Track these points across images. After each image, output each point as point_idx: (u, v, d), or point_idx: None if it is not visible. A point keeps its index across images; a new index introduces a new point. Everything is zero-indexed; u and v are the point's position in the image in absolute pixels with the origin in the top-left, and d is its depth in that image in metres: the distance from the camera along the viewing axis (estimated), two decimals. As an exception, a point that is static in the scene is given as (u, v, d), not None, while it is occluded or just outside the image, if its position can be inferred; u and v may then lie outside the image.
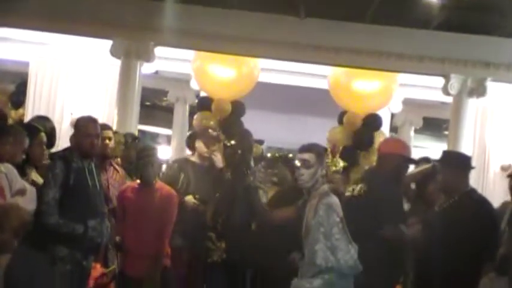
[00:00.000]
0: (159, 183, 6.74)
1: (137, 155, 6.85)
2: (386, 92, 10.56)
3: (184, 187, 7.27)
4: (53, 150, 6.51)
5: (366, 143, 10.14)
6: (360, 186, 6.10)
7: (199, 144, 7.53)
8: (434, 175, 6.57)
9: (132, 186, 6.78)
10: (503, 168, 7.51)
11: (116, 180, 7.16)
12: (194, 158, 7.61)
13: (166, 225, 6.58)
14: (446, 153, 6.44)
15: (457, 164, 6.02)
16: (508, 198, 6.25)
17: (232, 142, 6.45)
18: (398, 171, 6.01)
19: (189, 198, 7.14)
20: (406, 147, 6.23)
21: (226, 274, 6.19)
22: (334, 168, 9.77)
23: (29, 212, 4.76)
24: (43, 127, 6.32)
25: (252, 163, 6.54)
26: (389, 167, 5.92)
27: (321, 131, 10.86)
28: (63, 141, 7.39)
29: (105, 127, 7.17)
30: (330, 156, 9.58)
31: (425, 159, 7.45)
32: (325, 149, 7.57)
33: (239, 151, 6.37)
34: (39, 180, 5.90)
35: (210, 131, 7.94)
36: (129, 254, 6.50)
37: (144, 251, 6.42)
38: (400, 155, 6.00)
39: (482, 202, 5.87)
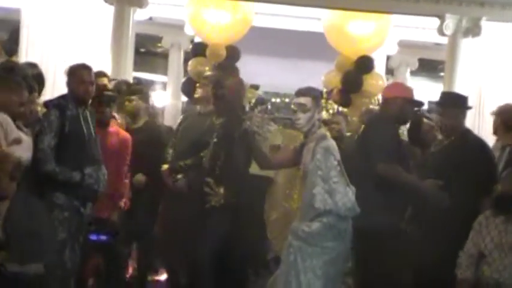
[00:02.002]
0: (115, 127, 6.85)
1: (98, 93, 6.54)
2: (380, 34, 10.47)
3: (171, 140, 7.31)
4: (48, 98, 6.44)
5: (354, 85, 10.06)
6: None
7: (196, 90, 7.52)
8: (420, 119, 6.73)
9: None
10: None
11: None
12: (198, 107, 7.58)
13: (122, 167, 6.78)
14: (444, 94, 6.64)
15: (455, 104, 6.12)
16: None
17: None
18: (403, 114, 6.00)
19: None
20: (410, 91, 6.20)
21: (225, 219, 6.19)
22: (329, 111, 9.80)
23: (21, 156, 4.76)
24: (29, 74, 6.15)
25: (248, 108, 6.50)
26: (394, 111, 5.92)
27: (317, 75, 10.83)
28: (58, 89, 7.35)
29: (101, 74, 7.11)
30: (324, 99, 9.58)
31: None
32: (322, 93, 7.55)
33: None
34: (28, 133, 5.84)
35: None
36: None
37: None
38: (403, 98, 5.99)
39: (478, 140, 6.15)
